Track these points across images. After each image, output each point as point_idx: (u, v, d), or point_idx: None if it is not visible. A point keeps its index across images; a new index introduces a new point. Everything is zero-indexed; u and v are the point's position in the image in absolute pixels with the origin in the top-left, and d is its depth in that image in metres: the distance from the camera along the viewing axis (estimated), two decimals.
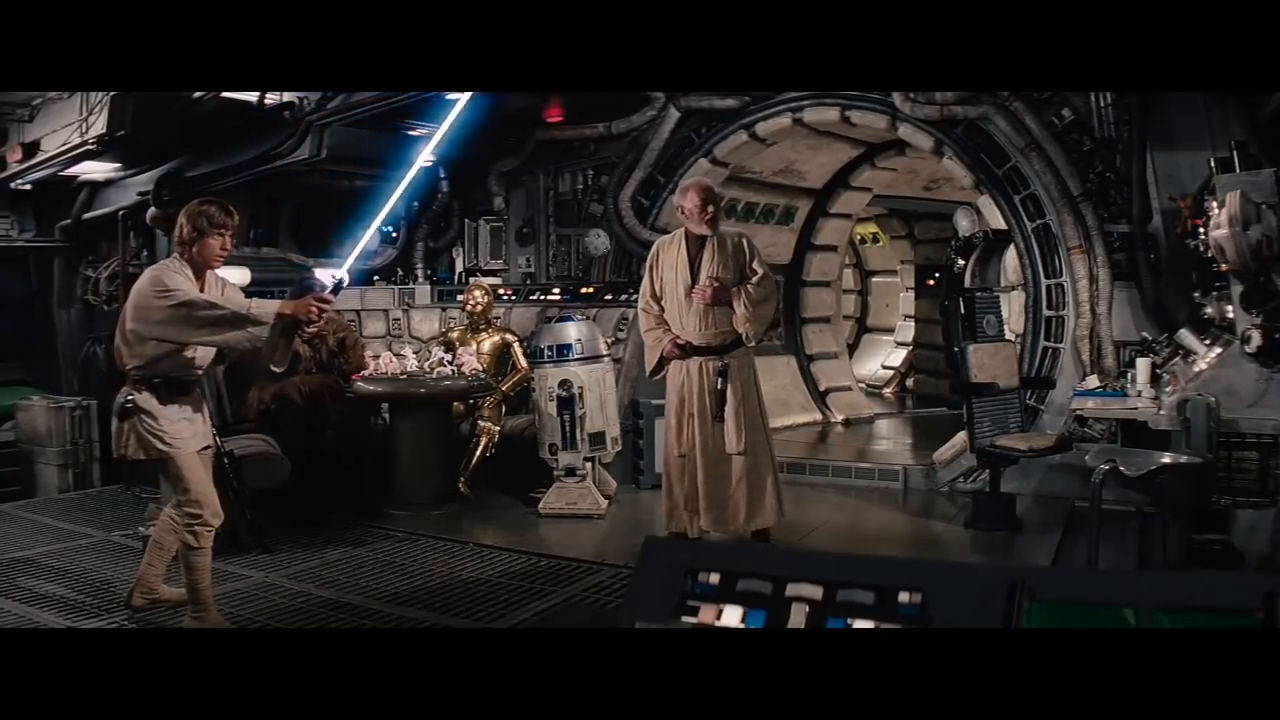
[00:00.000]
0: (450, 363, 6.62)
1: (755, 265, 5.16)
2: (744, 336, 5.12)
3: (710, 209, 5.09)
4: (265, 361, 3.98)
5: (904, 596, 1.39)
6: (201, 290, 3.98)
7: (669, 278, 5.21)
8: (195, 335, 3.90)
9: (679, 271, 5.15)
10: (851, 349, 12.26)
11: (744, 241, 5.22)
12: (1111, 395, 5.66)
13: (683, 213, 5.17)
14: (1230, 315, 5.13)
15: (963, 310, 6.23)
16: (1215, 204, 4.92)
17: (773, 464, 5.27)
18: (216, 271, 4.15)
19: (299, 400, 6.30)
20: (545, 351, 6.42)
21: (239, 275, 7.88)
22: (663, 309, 5.28)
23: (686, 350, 5.15)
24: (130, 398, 4.00)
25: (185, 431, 4.06)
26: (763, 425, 5.22)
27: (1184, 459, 4.44)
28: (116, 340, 4.06)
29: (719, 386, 5.03)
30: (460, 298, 7.70)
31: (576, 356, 6.36)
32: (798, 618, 1.40)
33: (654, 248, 5.38)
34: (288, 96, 6.98)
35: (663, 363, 5.27)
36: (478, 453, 6.89)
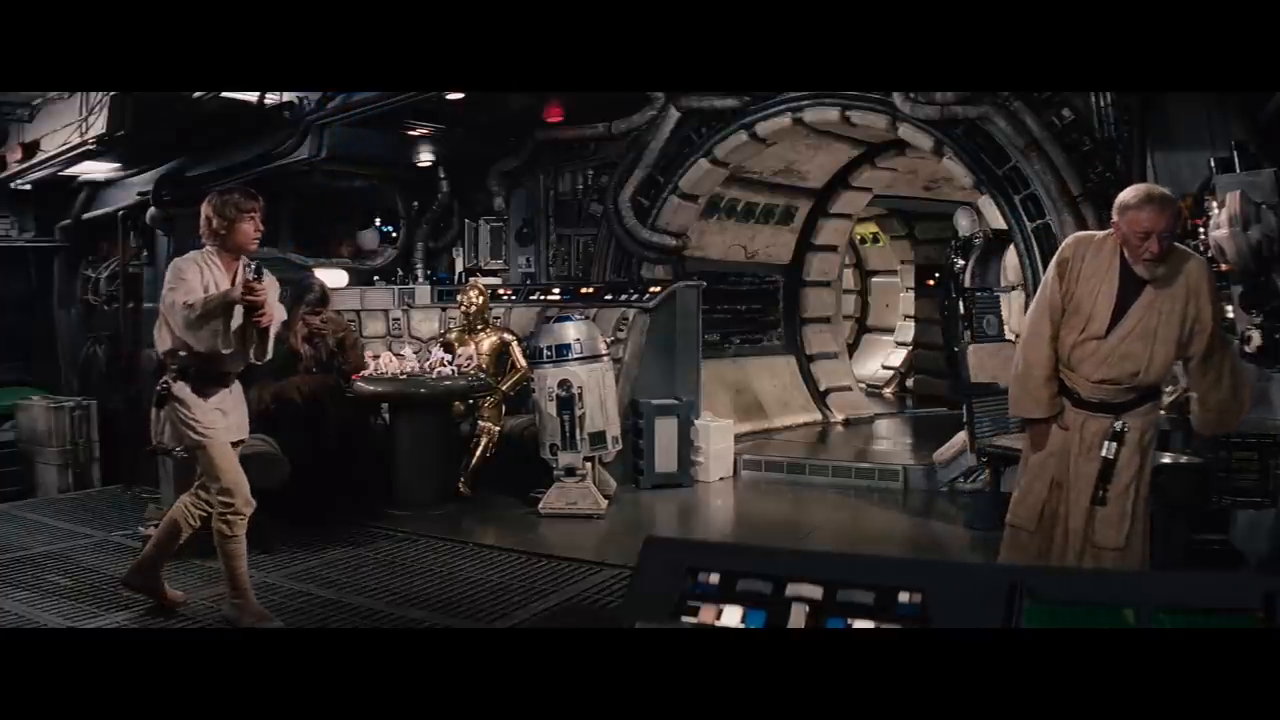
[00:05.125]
0: (451, 363, 6.62)
1: (1207, 319, 3.36)
2: (1198, 424, 3.71)
3: (1161, 244, 3.28)
4: (241, 354, 4.06)
5: (904, 596, 1.39)
6: (235, 279, 4.04)
7: (1084, 297, 3.45)
8: (186, 335, 3.97)
9: (1099, 300, 3.43)
10: (851, 349, 12.27)
11: (1200, 276, 3.39)
12: None
13: (1125, 229, 3.35)
14: (1230, 315, 5.13)
15: (963, 310, 6.23)
16: (1215, 204, 4.92)
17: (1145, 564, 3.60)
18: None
19: (299, 400, 6.29)
20: (544, 352, 6.42)
21: None
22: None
23: (1074, 400, 3.53)
24: (165, 384, 4.06)
25: (219, 422, 4.12)
26: (1145, 511, 3.54)
27: (1184, 459, 4.44)
28: (156, 325, 4.15)
29: (1108, 454, 3.45)
30: (458, 298, 7.71)
31: (576, 356, 6.36)
32: (798, 618, 1.40)
33: (1073, 244, 3.55)
34: (288, 96, 6.98)
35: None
36: (478, 453, 6.88)
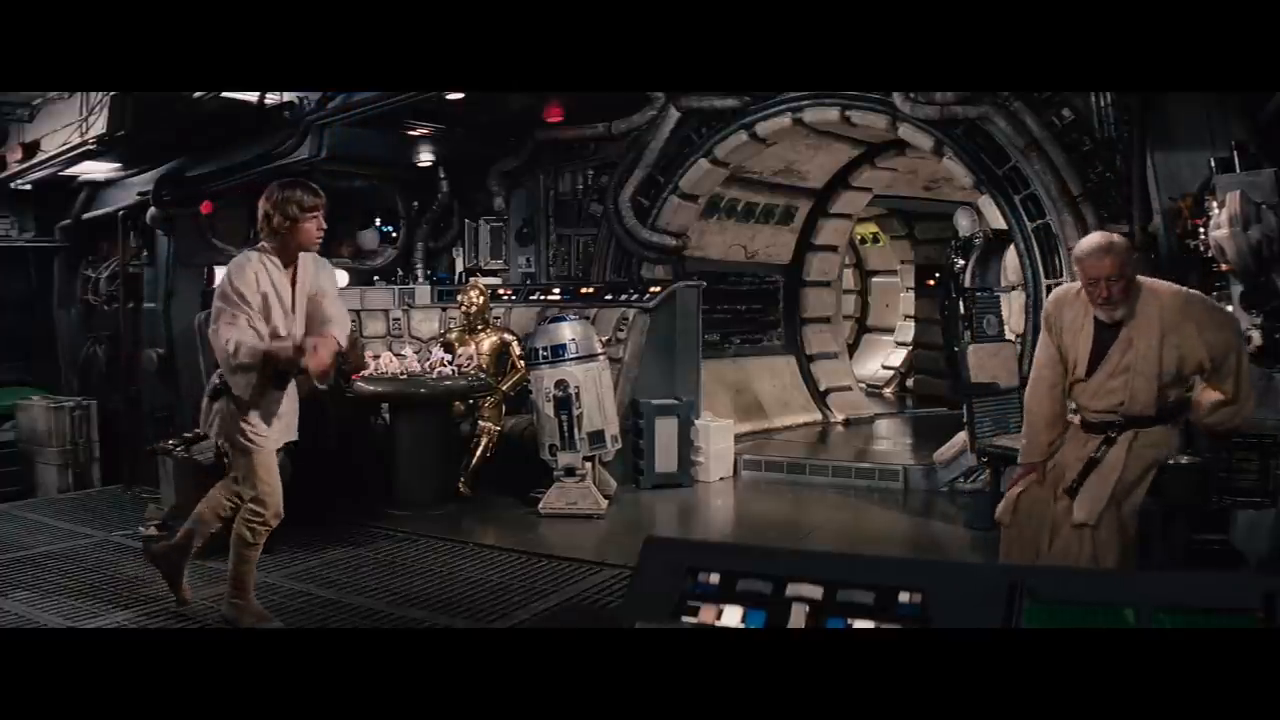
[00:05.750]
0: (451, 362, 6.62)
1: (1198, 353, 3.49)
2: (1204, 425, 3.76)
3: (1110, 288, 3.47)
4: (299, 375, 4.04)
5: (904, 596, 1.39)
6: (295, 276, 3.97)
7: (1068, 345, 3.72)
8: (224, 368, 3.91)
9: (1080, 347, 3.69)
10: (851, 349, 12.27)
11: (1180, 311, 3.52)
12: None
13: (1081, 277, 3.62)
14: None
15: (963, 310, 6.22)
16: (1215, 204, 4.92)
17: (1126, 557, 3.61)
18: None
19: (299, 400, 6.29)
20: (540, 352, 6.41)
21: None
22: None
23: (1084, 425, 3.76)
24: (224, 381, 3.93)
25: (272, 430, 4.03)
26: (1133, 510, 3.62)
27: (1184, 459, 4.43)
28: (212, 322, 4.03)
29: (1095, 454, 3.64)
30: (458, 298, 7.72)
31: (572, 356, 6.35)
32: (798, 618, 1.40)
33: (1052, 302, 3.87)
34: (288, 96, 6.98)
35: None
36: (478, 453, 6.88)
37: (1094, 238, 3.63)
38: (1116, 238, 3.62)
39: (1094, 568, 3.49)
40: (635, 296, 7.70)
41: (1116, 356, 3.59)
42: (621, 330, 7.44)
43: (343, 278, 8.49)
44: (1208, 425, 3.74)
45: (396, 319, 8.40)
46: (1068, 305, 3.76)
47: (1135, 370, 3.55)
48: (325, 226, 4.03)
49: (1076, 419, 3.79)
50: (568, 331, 6.42)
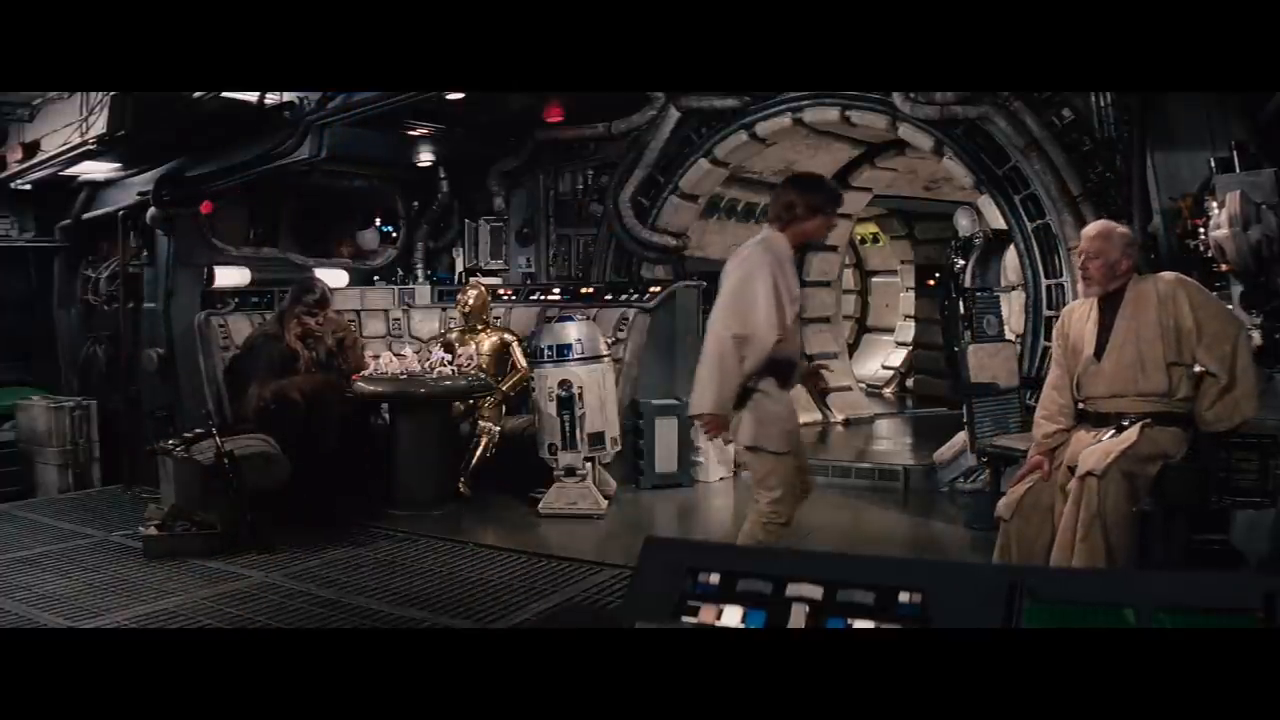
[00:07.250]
0: (451, 362, 6.62)
1: (1187, 323, 3.67)
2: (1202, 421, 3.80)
3: (1087, 265, 3.85)
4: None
5: (904, 596, 1.39)
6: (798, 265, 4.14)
7: (1077, 339, 3.96)
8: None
9: (1086, 336, 3.92)
10: (851, 349, 12.26)
11: (1172, 287, 3.77)
12: None
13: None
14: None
15: (963, 310, 6.22)
16: (1215, 204, 4.92)
17: (1132, 521, 3.70)
18: None
19: (299, 400, 6.29)
20: (545, 352, 6.41)
21: (239, 275, 7.89)
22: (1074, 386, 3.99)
23: (1090, 419, 3.94)
24: (754, 381, 3.89)
25: (793, 426, 4.13)
26: (1141, 477, 3.71)
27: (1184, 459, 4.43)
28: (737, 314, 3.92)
29: (1106, 438, 3.76)
30: (457, 298, 7.72)
31: (576, 357, 6.36)
32: (798, 618, 1.40)
33: (1061, 316, 4.21)
34: (288, 96, 6.97)
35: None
36: (478, 453, 6.88)
37: (1096, 223, 3.98)
38: (1113, 226, 3.93)
39: (1102, 524, 3.61)
40: (635, 296, 7.70)
41: (1122, 331, 3.82)
42: (622, 330, 7.44)
43: (343, 278, 8.52)
44: (1209, 420, 3.79)
45: (396, 319, 8.40)
46: (1074, 311, 4.10)
47: (1142, 338, 3.76)
48: (835, 225, 4.27)
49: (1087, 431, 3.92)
50: (573, 331, 6.42)
